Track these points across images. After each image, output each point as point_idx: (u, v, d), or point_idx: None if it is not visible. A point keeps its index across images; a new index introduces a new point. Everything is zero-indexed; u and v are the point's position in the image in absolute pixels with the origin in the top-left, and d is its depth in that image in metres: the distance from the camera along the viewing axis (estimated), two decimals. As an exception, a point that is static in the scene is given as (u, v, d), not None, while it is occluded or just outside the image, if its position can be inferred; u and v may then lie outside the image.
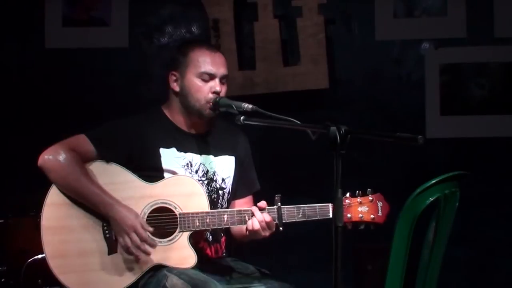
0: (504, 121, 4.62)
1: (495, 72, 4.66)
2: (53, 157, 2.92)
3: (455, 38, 4.63)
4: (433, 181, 2.97)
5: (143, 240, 2.86)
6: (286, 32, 4.70)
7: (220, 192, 3.12)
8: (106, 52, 4.78)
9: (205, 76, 3.02)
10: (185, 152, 3.06)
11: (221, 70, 3.04)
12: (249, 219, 2.95)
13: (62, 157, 2.91)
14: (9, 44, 4.78)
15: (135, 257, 2.88)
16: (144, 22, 4.82)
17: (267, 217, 2.93)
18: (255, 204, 3.05)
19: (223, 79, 3.04)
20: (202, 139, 3.11)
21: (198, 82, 3.02)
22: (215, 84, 3.01)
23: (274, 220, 2.94)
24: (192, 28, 4.82)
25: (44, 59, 4.78)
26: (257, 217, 2.92)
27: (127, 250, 2.87)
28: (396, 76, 4.73)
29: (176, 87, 3.06)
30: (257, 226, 2.92)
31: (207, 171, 3.09)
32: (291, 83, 4.64)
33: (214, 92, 3.00)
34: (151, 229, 2.89)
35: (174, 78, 3.07)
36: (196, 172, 3.06)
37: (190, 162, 3.06)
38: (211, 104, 3.00)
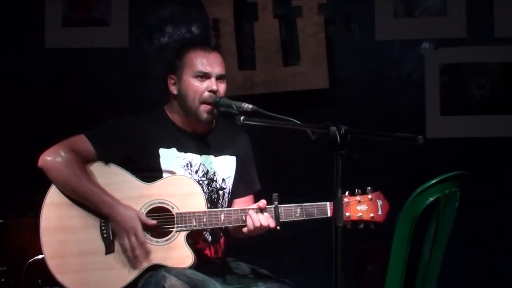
0: (504, 121, 4.61)
1: (495, 72, 4.66)
2: (53, 158, 2.92)
3: (455, 38, 4.64)
4: (433, 181, 2.97)
5: (140, 243, 2.87)
6: (286, 32, 4.70)
7: (221, 192, 3.11)
8: (106, 52, 4.78)
9: (200, 76, 3.01)
10: (185, 152, 3.05)
11: (216, 69, 3.03)
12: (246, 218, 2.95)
13: (62, 157, 2.92)
14: (9, 44, 4.78)
15: (132, 257, 2.89)
16: (144, 22, 4.82)
17: (263, 220, 2.92)
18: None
19: (219, 78, 3.04)
20: (202, 139, 3.10)
21: (194, 82, 3.02)
22: (211, 83, 3.01)
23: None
24: (192, 28, 4.82)
25: (44, 59, 4.78)
26: (253, 220, 2.92)
27: (125, 251, 2.89)
28: (396, 76, 4.73)
29: (174, 90, 3.07)
30: (257, 224, 2.91)
31: (207, 171, 3.09)
32: (291, 83, 4.64)
33: (210, 91, 3.00)
34: (154, 222, 2.89)
35: (173, 81, 3.07)
36: (196, 172, 3.06)
37: (190, 162, 3.05)
38: (207, 106, 2.99)
